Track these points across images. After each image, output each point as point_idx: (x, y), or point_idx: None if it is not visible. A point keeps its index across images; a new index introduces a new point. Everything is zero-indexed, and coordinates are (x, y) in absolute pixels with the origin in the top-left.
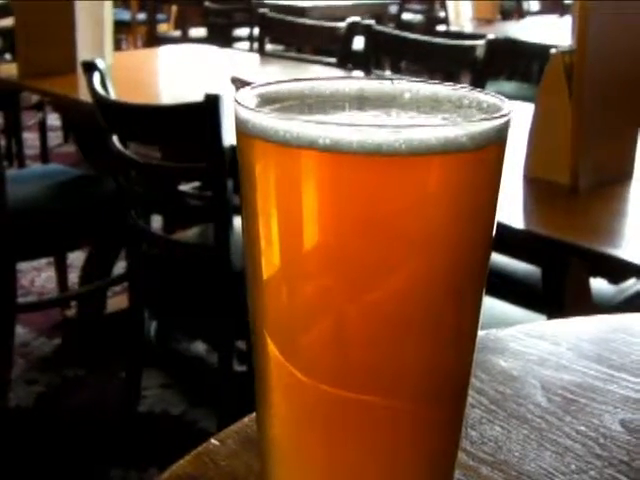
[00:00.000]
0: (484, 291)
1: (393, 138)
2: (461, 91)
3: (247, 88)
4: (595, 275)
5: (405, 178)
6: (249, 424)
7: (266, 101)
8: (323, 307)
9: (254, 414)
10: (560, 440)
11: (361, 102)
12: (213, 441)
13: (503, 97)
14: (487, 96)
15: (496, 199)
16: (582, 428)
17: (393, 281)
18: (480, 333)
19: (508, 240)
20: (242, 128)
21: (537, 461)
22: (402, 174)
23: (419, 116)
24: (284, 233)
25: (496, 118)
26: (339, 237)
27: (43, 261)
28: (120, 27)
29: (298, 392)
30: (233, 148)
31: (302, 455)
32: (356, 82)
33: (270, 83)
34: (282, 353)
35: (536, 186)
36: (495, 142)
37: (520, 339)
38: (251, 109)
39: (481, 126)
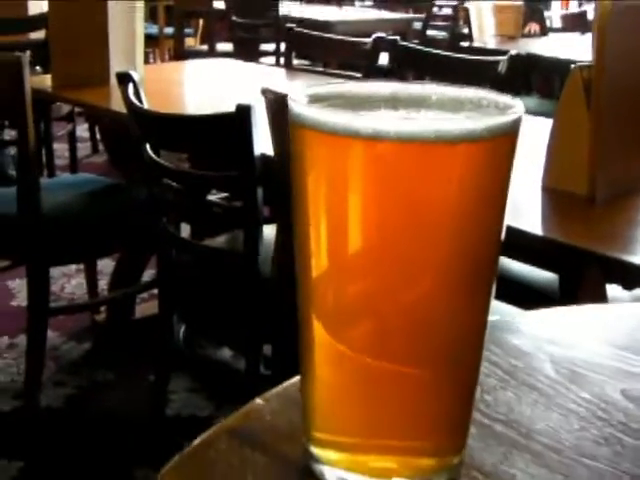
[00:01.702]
0: (496, 272)
1: (424, 128)
2: (481, 93)
3: (297, 89)
4: (610, 282)
5: (434, 162)
6: (289, 387)
7: (314, 100)
8: (364, 305)
9: (293, 379)
10: (565, 404)
11: (394, 102)
12: (258, 401)
13: (515, 99)
14: (503, 97)
15: (508, 185)
16: (586, 395)
17: (424, 263)
18: (493, 317)
19: (527, 247)
20: (295, 121)
21: (545, 421)
22: (432, 159)
23: (445, 114)
24: (332, 219)
25: (509, 114)
26: (380, 219)
27: (73, 268)
28: (148, 41)
29: (339, 364)
30: (263, 157)
31: (341, 414)
32: (390, 85)
33: (316, 85)
34: (327, 333)
35: (554, 197)
36: (508, 134)
37: (532, 322)
38: (305, 104)
39: (497, 120)
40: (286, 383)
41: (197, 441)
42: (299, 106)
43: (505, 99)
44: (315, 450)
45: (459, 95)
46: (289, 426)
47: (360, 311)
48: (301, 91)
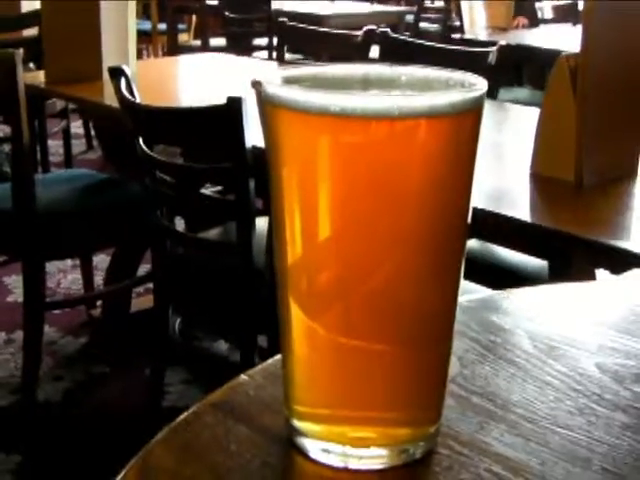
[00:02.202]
0: (465, 250)
1: (389, 105)
2: (448, 74)
3: (272, 71)
4: (599, 267)
5: (399, 137)
6: (273, 364)
7: (287, 81)
8: (333, 286)
9: (276, 357)
10: (541, 377)
11: (366, 83)
12: (243, 376)
13: (481, 78)
14: (468, 76)
15: (474, 161)
16: (561, 368)
17: (390, 248)
18: (476, 295)
19: (515, 234)
20: (269, 101)
21: (521, 393)
22: (397, 134)
23: (413, 92)
24: (304, 199)
25: (472, 91)
26: (348, 197)
27: (69, 263)
28: (141, 37)
29: (314, 342)
30: (254, 149)
31: (318, 388)
32: (361, 67)
33: (289, 68)
34: (303, 314)
35: (542, 183)
36: (472, 109)
37: (511, 300)
38: (277, 85)
39: (460, 96)
40: (270, 360)
41: (184, 415)
42: (272, 87)
43: (470, 78)
44: (296, 422)
45: (427, 76)
46: (272, 400)
47: (330, 294)
48: (275, 73)
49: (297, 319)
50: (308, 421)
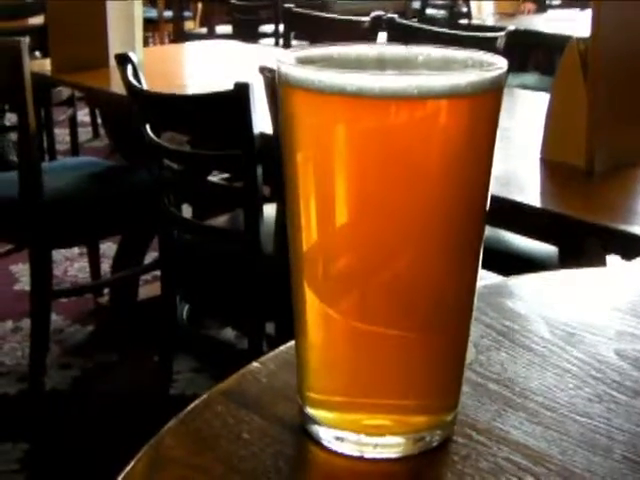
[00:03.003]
0: (484, 234)
1: (407, 84)
2: (466, 53)
3: (286, 51)
4: (610, 253)
5: (418, 118)
6: (285, 350)
7: (302, 62)
8: (351, 270)
9: (288, 344)
10: (560, 364)
11: (381, 63)
12: (255, 364)
13: (499, 57)
14: (487, 56)
15: (494, 142)
16: (580, 355)
17: (407, 233)
18: (490, 281)
19: (525, 219)
20: (283, 81)
21: (539, 380)
22: (415, 114)
23: (430, 72)
24: (320, 181)
25: (491, 70)
26: (365, 177)
27: (76, 251)
28: (147, 25)
29: (329, 328)
30: (262, 136)
31: (333, 375)
32: (377, 47)
33: (304, 48)
34: (318, 301)
35: (553, 168)
36: (491, 89)
37: (527, 285)
38: (292, 64)
39: (479, 76)
40: (282, 347)
41: (194, 403)
42: (286, 66)
43: (489, 57)
44: (309, 410)
45: (445, 55)
46: (285, 387)
47: (346, 281)
48: (289, 53)
49: (312, 305)
50: (322, 409)
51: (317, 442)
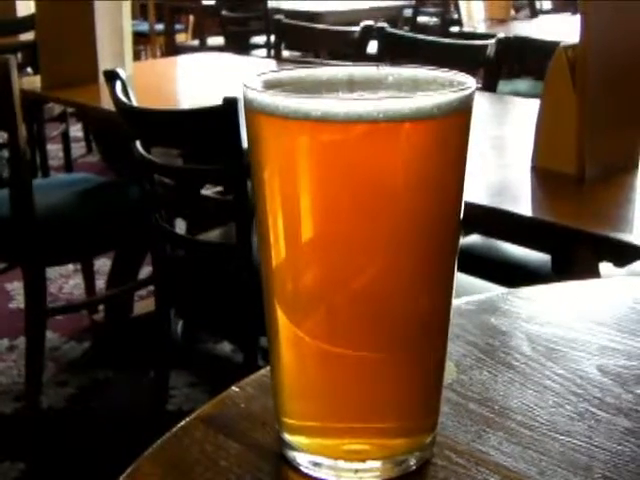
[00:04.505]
0: (457, 257)
1: (372, 108)
2: (436, 73)
3: (253, 75)
4: (602, 260)
5: (384, 142)
6: (264, 374)
7: (269, 86)
8: (318, 291)
9: (268, 367)
10: (541, 381)
11: (351, 85)
12: (234, 388)
13: (470, 77)
14: (457, 76)
15: (465, 161)
16: (561, 371)
17: (375, 250)
18: (473, 297)
19: (517, 228)
20: (249, 107)
21: (519, 398)
22: (381, 138)
23: (399, 94)
24: (286, 205)
25: (460, 91)
26: (330, 202)
27: (70, 268)
28: (139, 38)
29: (301, 351)
30: None
31: (307, 400)
32: (347, 69)
33: (272, 71)
34: (288, 320)
35: (543, 176)
36: (459, 110)
37: (510, 301)
38: (256, 90)
39: (447, 97)
40: (262, 370)
41: (173, 430)
42: (252, 91)
43: (459, 77)
44: (286, 435)
45: (415, 75)
46: (263, 412)
47: (315, 297)
48: (257, 77)
49: (283, 325)
50: (298, 434)
51: (295, 468)
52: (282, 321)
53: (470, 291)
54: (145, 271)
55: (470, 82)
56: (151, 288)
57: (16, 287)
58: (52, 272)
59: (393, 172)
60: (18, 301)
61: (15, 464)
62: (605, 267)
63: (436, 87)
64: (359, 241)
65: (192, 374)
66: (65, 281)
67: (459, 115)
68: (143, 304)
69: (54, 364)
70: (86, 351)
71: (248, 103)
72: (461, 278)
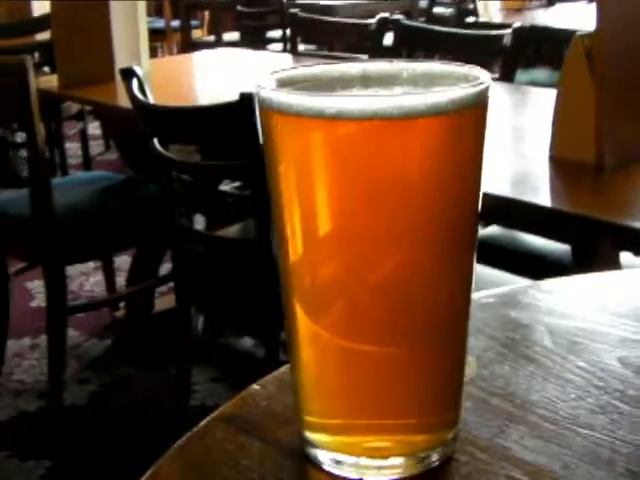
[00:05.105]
0: (475, 251)
1: (386, 105)
2: (451, 67)
3: (267, 74)
4: (622, 249)
5: (398, 138)
6: (285, 372)
7: (283, 84)
8: (337, 286)
9: (288, 365)
10: (562, 375)
11: (365, 81)
12: (254, 386)
13: (485, 71)
14: (472, 70)
15: (482, 156)
16: (583, 364)
17: (393, 244)
18: (493, 291)
19: (537, 219)
20: (263, 105)
21: (541, 392)
22: (396, 135)
23: (415, 89)
24: (302, 202)
25: (474, 86)
26: (347, 199)
27: (91, 266)
28: (155, 35)
29: (321, 347)
30: None
31: (328, 397)
32: (361, 64)
33: (285, 69)
34: (307, 316)
35: (562, 166)
36: (475, 106)
37: (531, 294)
38: (270, 89)
39: (461, 92)
40: (282, 368)
41: (194, 430)
42: (265, 90)
43: (474, 71)
44: (307, 433)
45: (430, 69)
46: (285, 411)
47: (334, 292)
48: (270, 75)
49: (302, 322)
50: (319, 432)
51: (317, 466)
52: (301, 318)
53: (490, 282)
54: (165, 267)
55: (485, 77)
56: (171, 284)
57: (37, 286)
58: (72, 270)
59: (409, 168)
60: (39, 300)
61: (40, 462)
62: (626, 256)
63: (451, 82)
64: (376, 237)
65: (214, 369)
66: (86, 279)
67: (474, 110)
68: (164, 300)
69: (76, 362)
70: (108, 348)
71: (262, 102)
72: (481, 269)
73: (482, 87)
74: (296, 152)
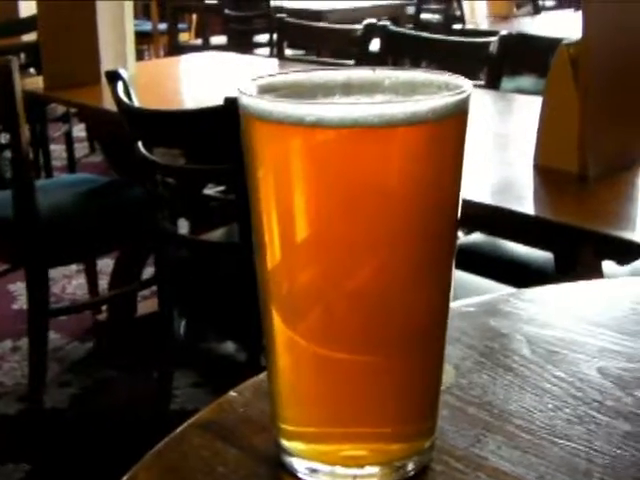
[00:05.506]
0: (454, 259)
1: (367, 113)
2: (433, 76)
3: (250, 80)
4: (605, 258)
5: (378, 146)
6: (262, 379)
7: (264, 90)
8: (313, 294)
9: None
10: (540, 384)
11: (347, 89)
12: (232, 393)
13: (465, 79)
14: (453, 78)
15: (462, 164)
16: (561, 374)
17: (370, 251)
18: (473, 300)
19: (520, 227)
20: (244, 112)
21: (518, 402)
22: (375, 143)
23: (396, 98)
24: (281, 209)
25: (455, 94)
26: (325, 207)
27: (73, 269)
28: (142, 38)
29: (297, 354)
30: None
31: (303, 405)
32: (344, 72)
33: (267, 76)
34: (284, 323)
35: (546, 175)
36: (455, 114)
37: (511, 302)
38: (250, 96)
39: (442, 101)
40: (260, 375)
41: (171, 436)
42: (245, 97)
43: (455, 80)
44: (283, 442)
45: (412, 79)
46: (261, 417)
47: (311, 299)
48: (252, 81)
49: (278, 329)
50: (295, 440)
51: (292, 474)
52: (278, 325)
53: (472, 290)
54: (148, 271)
55: (466, 85)
56: (154, 288)
57: (19, 288)
58: (55, 273)
59: (388, 175)
60: (21, 302)
61: (19, 465)
62: (608, 265)
63: (433, 90)
64: (354, 244)
65: (196, 374)
66: (68, 281)
67: (455, 119)
68: (146, 304)
69: (57, 364)
70: (89, 351)
71: (243, 108)
72: (463, 277)
73: (463, 96)
74: (276, 159)
